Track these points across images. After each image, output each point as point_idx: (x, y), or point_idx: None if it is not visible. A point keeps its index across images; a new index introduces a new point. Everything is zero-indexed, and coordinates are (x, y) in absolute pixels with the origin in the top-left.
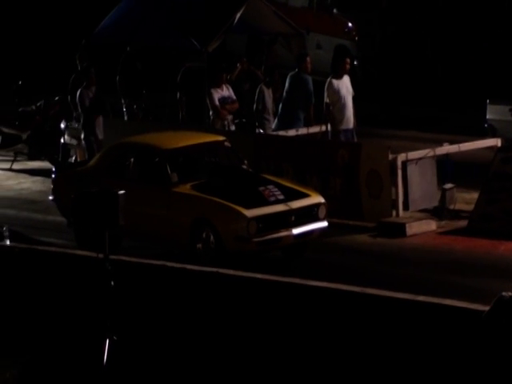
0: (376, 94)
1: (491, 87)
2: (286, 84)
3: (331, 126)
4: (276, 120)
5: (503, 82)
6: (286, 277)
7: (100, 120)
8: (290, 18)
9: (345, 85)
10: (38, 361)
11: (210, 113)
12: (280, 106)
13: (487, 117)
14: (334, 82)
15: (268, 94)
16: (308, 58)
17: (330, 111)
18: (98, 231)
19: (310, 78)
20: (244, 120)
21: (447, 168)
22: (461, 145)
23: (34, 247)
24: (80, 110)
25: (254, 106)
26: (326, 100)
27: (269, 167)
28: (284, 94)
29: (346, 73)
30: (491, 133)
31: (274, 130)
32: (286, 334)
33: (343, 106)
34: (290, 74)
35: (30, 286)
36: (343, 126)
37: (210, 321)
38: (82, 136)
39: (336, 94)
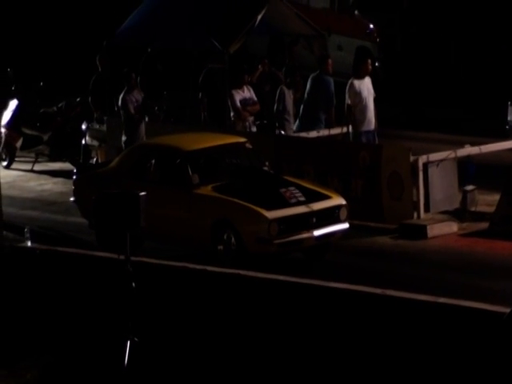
0: (397, 95)
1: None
2: (308, 85)
3: (352, 127)
4: (297, 121)
5: None
6: (307, 278)
7: (143, 124)
8: (311, 19)
9: (366, 86)
10: (58, 362)
11: (231, 114)
12: (301, 107)
13: (508, 118)
14: (356, 83)
15: (289, 95)
16: (329, 60)
17: (352, 112)
18: (119, 233)
19: (331, 80)
20: (265, 121)
21: (469, 170)
22: (482, 146)
23: (55, 248)
24: (123, 115)
25: (275, 106)
26: (348, 101)
27: (290, 169)
28: (305, 95)
29: (367, 74)
30: None
31: (295, 131)
32: (308, 336)
33: (364, 108)
34: (311, 76)
35: (51, 287)
36: (364, 128)
37: (231, 322)
38: (123, 139)
39: (357, 95)
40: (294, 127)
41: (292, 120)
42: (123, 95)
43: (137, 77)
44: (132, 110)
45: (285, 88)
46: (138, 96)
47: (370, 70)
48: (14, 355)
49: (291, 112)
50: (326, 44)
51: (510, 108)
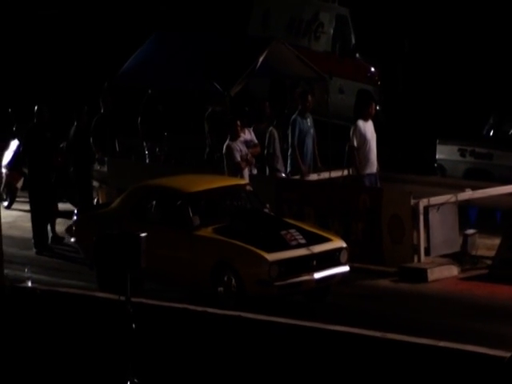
0: (398, 138)
1: (440, 127)
2: (290, 128)
3: (356, 170)
4: (288, 164)
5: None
6: (308, 321)
7: (246, 172)
8: (312, 62)
9: (370, 129)
10: None
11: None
12: (289, 150)
13: (437, 156)
14: (361, 125)
15: (277, 137)
16: (309, 97)
17: (356, 155)
18: (119, 273)
19: (310, 117)
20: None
21: (470, 214)
22: (483, 190)
23: (56, 289)
24: (226, 163)
25: (265, 150)
26: (353, 144)
27: (291, 211)
28: (290, 138)
29: (371, 117)
30: (440, 172)
31: (289, 172)
32: (308, 379)
33: (368, 150)
34: (292, 118)
35: (51, 327)
36: (368, 170)
37: (232, 364)
38: None
39: (362, 137)
40: (288, 168)
41: (281, 161)
42: (227, 143)
43: (137, 118)
44: (238, 158)
45: (274, 130)
46: (241, 145)
47: (374, 113)
48: None
49: (280, 154)
50: (327, 87)
51: (438, 146)
